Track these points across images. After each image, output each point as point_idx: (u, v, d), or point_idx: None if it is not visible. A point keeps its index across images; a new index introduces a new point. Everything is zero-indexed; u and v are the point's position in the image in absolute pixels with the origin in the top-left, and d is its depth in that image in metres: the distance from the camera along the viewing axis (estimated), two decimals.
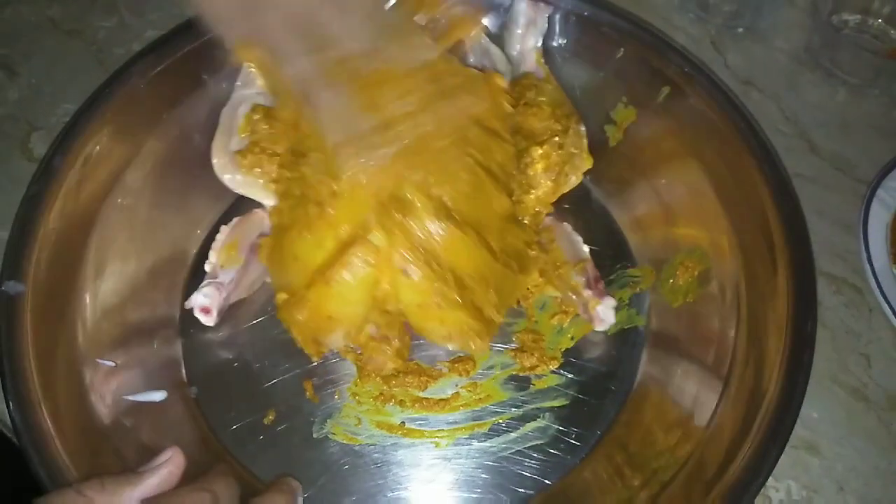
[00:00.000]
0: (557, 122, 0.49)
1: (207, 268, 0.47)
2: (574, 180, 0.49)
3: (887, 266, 0.51)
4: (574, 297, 0.48)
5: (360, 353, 0.45)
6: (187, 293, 0.49)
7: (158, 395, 0.44)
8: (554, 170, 0.48)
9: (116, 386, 0.43)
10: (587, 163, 0.49)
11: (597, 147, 0.50)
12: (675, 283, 0.50)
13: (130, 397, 0.43)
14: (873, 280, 0.50)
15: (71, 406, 0.40)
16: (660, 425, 0.45)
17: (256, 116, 0.48)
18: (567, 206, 0.51)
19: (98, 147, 0.46)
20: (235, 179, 0.48)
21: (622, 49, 0.52)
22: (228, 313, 0.48)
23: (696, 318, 0.48)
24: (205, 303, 0.45)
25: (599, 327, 0.47)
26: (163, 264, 0.49)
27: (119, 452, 0.41)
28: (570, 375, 0.48)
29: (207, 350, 0.47)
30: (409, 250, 0.40)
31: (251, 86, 0.50)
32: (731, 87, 0.57)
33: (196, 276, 0.49)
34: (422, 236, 0.40)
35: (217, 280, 0.46)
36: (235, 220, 0.49)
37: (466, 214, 0.42)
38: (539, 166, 0.47)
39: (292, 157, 0.46)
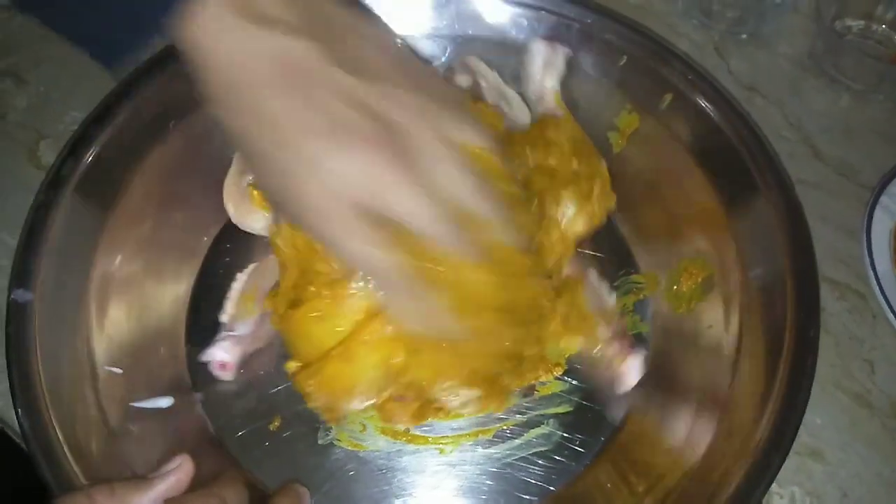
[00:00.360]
0: (578, 160, 0.48)
1: (224, 318, 0.46)
2: (599, 220, 0.48)
3: (890, 272, 0.51)
4: (597, 351, 0.46)
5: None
6: (194, 300, 0.49)
7: (165, 402, 0.44)
8: (583, 214, 0.47)
9: (123, 392, 0.43)
10: (610, 200, 0.49)
11: (601, 154, 0.50)
12: (679, 290, 0.50)
13: (137, 404, 0.43)
14: (876, 286, 0.50)
15: (79, 413, 0.41)
16: (664, 431, 0.45)
17: None
18: None
19: (106, 155, 0.46)
20: (252, 220, 0.47)
21: (625, 56, 0.52)
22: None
23: (700, 325, 0.48)
24: (224, 358, 0.44)
25: (622, 388, 0.46)
26: (170, 271, 0.49)
27: (126, 458, 0.41)
28: (574, 382, 0.48)
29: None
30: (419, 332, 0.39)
31: None
32: (735, 93, 0.57)
33: (203, 285, 0.49)
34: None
35: (234, 333, 0.45)
36: (251, 266, 0.48)
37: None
38: (569, 211, 0.47)
39: None
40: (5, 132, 0.57)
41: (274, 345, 0.47)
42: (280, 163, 0.33)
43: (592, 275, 0.49)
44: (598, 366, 0.47)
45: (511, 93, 0.53)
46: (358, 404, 0.42)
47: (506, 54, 0.54)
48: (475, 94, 0.52)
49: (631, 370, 0.45)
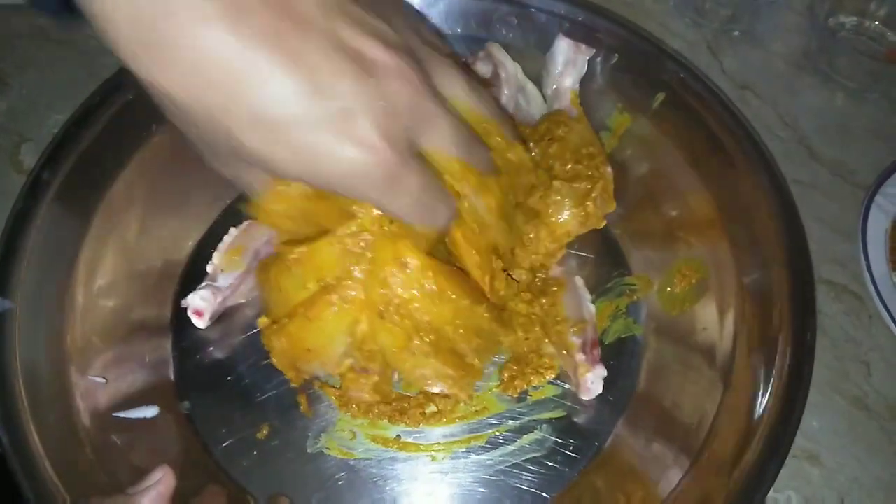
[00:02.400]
0: (579, 161, 0.48)
1: (209, 269, 0.47)
2: (596, 222, 0.48)
3: (887, 273, 0.51)
4: (566, 356, 0.46)
5: (339, 386, 0.44)
6: (178, 305, 0.48)
7: (150, 412, 0.44)
8: (577, 214, 0.47)
9: (107, 403, 0.42)
10: (610, 206, 0.49)
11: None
12: (673, 292, 0.49)
13: (122, 414, 0.43)
14: (872, 287, 0.50)
15: (61, 425, 0.40)
16: (660, 434, 0.45)
17: None
18: None
19: (86, 161, 0.45)
20: None
21: (616, 55, 0.52)
22: (222, 325, 0.47)
23: (695, 327, 0.48)
24: (200, 305, 0.45)
25: (585, 396, 0.46)
26: (153, 278, 0.48)
27: (110, 471, 0.40)
28: (567, 386, 0.47)
29: (199, 364, 0.47)
30: (384, 296, 0.39)
31: None
32: (728, 91, 0.57)
33: (187, 288, 0.48)
34: (402, 286, 0.39)
35: (215, 284, 0.46)
36: (246, 223, 0.49)
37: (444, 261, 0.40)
38: (563, 208, 0.47)
39: None
40: None
41: (255, 349, 0.47)
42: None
43: (578, 282, 0.49)
44: (567, 368, 0.47)
45: (530, 86, 0.53)
46: (319, 368, 0.42)
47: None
48: (494, 83, 0.52)
49: (593, 381, 0.45)
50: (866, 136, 0.58)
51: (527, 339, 0.47)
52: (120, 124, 0.47)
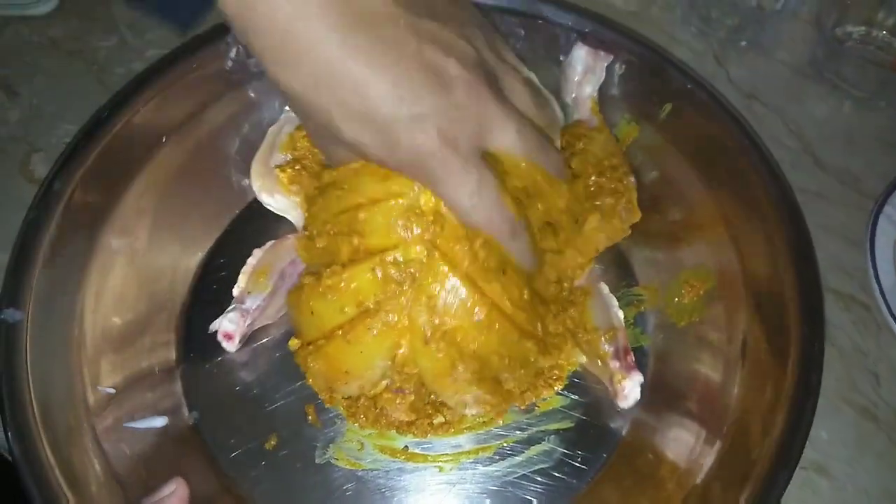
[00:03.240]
0: (602, 174, 0.48)
1: (235, 292, 0.46)
2: (621, 234, 0.48)
3: (895, 283, 0.50)
4: (600, 365, 0.46)
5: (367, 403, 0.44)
6: (187, 316, 0.48)
7: (159, 422, 0.44)
8: (605, 228, 0.47)
9: (116, 413, 0.42)
10: (635, 216, 0.48)
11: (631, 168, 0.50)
12: (681, 302, 0.49)
13: (131, 424, 0.43)
14: (881, 297, 0.50)
15: (71, 435, 0.40)
16: (668, 446, 0.45)
17: (301, 132, 0.48)
18: None
19: (98, 170, 0.45)
20: (274, 199, 0.48)
21: (623, 66, 0.52)
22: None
23: (703, 338, 0.48)
24: (229, 329, 0.45)
25: (623, 404, 0.45)
26: (163, 288, 0.48)
27: (120, 481, 0.40)
28: (575, 397, 0.47)
29: (208, 375, 0.47)
30: (429, 322, 0.39)
31: None
32: (735, 101, 0.57)
33: (196, 299, 0.49)
34: (444, 307, 0.39)
35: (244, 306, 0.45)
36: (269, 243, 0.48)
37: (492, 292, 0.40)
38: (591, 224, 0.47)
39: (328, 181, 0.44)
40: None
41: (264, 357, 0.47)
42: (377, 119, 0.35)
43: (604, 289, 0.48)
44: (599, 381, 0.47)
45: (546, 94, 0.53)
46: (356, 389, 0.42)
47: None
48: None
49: (631, 388, 0.44)
50: (874, 145, 0.58)
51: (566, 359, 0.47)
52: (130, 135, 0.47)
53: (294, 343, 0.44)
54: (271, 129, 0.50)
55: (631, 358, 0.45)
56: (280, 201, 0.48)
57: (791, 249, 0.45)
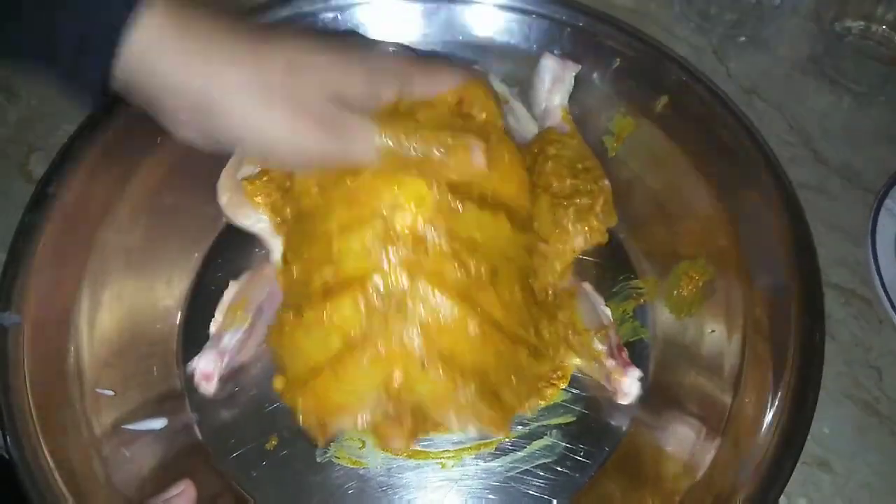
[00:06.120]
0: (576, 177, 0.48)
1: (212, 328, 0.45)
2: (599, 237, 0.48)
3: None
4: (596, 365, 0.46)
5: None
6: (186, 317, 0.48)
7: (158, 423, 0.43)
8: (581, 231, 0.47)
9: (116, 415, 0.42)
10: (612, 219, 0.49)
11: (596, 157, 0.50)
12: (680, 295, 0.49)
13: (130, 426, 0.42)
14: (882, 291, 0.50)
15: (70, 439, 0.40)
16: (670, 439, 0.45)
17: None
18: None
19: (93, 172, 0.45)
20: (241, 214, 0.47)
21: (618, 59, 0.52)
22: None
23: (702, 330, 0.47)
24: (207, 369, 0.43)
25: (623, 401, 0.45)
26: (160, 288, 0.48)
27: (119, 483, 0.40)
28: (577, 391, 0.47)
29: None
30: (425, 346, 0.38)
31: None
32: (735, 96, 0.57)
33: (195, 302, 0.48)
34: (437, 327, 0.39)
35: (221, 344, 0.44)
36: (245, 275, 0.47)
37: (483, 303, 0.40)
38: (567, 227, 0.47)
39: (301, 209, 0.44)
40: None
41: (264, 360, 0.46)
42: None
43: (587, 287, 0.49)
44: (597, 380, 0.46)
45: (517, 105, 0.53)
46: (351, 424, 0.41)
47: (502, 63, 0.54)
48: None
49: (630, 384, 0.44)
50: (874, 140, 0.58)
51: (560, 362, 0.47)
52: (125, 137, 0.47)
53: (279, 382, 0.43)
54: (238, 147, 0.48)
55: (625, 354, 0.45)
56: (247, 216, 0.47)
57: (790, 240, 0.45)
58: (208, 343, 0.44)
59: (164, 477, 0.41)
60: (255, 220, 0.47)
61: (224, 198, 0.47)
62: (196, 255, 0.50)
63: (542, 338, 0.44)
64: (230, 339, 0.44)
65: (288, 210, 0.45)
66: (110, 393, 0.43)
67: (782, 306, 0.43)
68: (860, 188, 0.55)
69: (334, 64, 0.39)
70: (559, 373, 0.47)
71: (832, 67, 0.60)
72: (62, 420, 0.40)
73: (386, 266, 0.38)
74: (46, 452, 0.38)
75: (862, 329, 0.50)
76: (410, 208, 0.39)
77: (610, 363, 0.45)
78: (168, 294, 0.48)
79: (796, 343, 0.42)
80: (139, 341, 0.46)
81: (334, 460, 0.44)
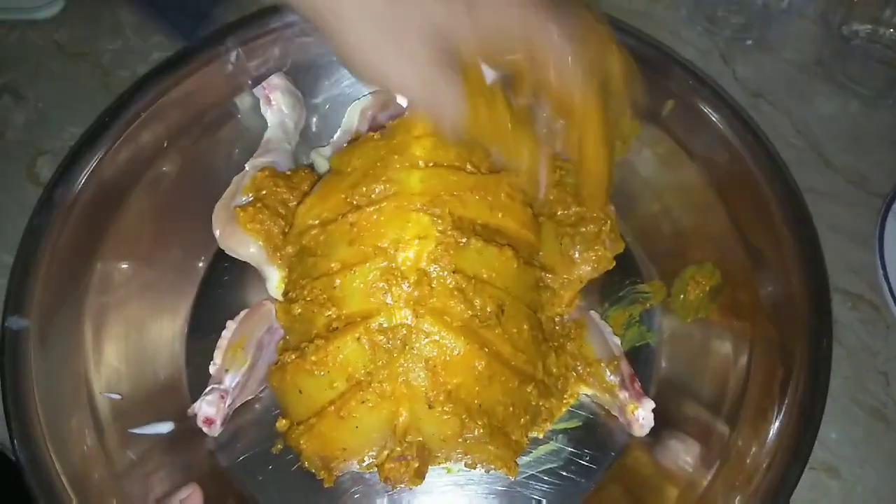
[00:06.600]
0: (581, 204, 0.47)
1: (211, 369, 0.44)
2: (607, 264, 0.47)
3: None
4: (608, 398, 0.45)
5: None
6: (192, 320, 0.48)
7: (165, 427, 0.43)
8: (589, 258, 0.46)
9: (122, 419, 0.42)
10: (619, 246, 0.48)
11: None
12: (687, 299, 0.49)
13: (137, 431, 0.42)
14: (890, 296, 0.49)
15: (76, 443, 0.40)
16: (677, 443, 0.45)
17: (262, 175, 0.47)
18: None
19: (100, 175, 0.45)
20: (235, 243, 0.46)
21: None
22: None
23: (709, 335, 0.47)
24: (209, 413, 0.42)
25: (639, 433, 0.44)
26: (167, 292, 0.48)
27: (126, 487, 0.40)
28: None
29: None
30: (431, 385, 0.38)
31: (264, 153, 0.49)
32: (741, 99, 0.57)
33: (201, 305, 0.49)
34: (443, 366, 0.38)
35: (222, 387, 0.43)
36: (242, 314, 0.46)
37: (490, 340, 0.40)
38: (574, 255, 0.46)
39: (298, 245, 0.44)
40: (3, 149, 0.56)
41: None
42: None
43: (595, 317, 0.48)
44: (609, 410, 0.46)
45: None
46: (356, 464, 0.41)
47: None
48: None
49: (645, 416, 0.44)
50: (881, 144, 0.58)
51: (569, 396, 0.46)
52: (133, 140, 0.47)
53: (283, 424, 0.42)
54: (235, 178, 0.48)
55: (638, 385, 0.45)
56: (241, 244, 0.46)
57: (796, 244, 0.45)
58: (209, 386, 0.43)
59: (171, 480, 0.41)
60: (249, 247, 0.46)
61: (218, 230, 0.47)
62: (202, 258, 0.50)
63: (551, 373, 0.44)
64: (231, 381, 0.43)
65: (289, 248, 0.44)
66: (117, 397, 0.43)
67: (789, 311, 0.43)
68: (867, 192, 0.55)
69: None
70: (567, 396, 0.46)
71: (839, 71, 0.60)
72: (69, 424, 0.40)
73: (390, 303, 0.38)
74: (53, 456, 0.38)
75: (869, 334, 0.50)
76: (414, 245, 0.39)
77: (623, 395, 0.44)
78: (174, 294, 0.49)
79: (804, 348, 0.42)
80: (146, 345, 0.46)
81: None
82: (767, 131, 0.49)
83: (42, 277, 0.42)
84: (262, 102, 0.51)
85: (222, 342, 0.45)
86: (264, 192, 0.46)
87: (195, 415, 0.42)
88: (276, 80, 0.51)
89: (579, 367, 0.45)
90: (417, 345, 0.38)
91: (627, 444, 0.46)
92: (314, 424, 0.39)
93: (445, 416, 0.38)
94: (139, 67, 0.59)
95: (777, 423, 0.41)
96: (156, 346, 0.47)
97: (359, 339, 0.38)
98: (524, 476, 0.44)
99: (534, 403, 0.42)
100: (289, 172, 0.48)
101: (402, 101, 0.50)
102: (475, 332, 0.39)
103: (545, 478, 0.45)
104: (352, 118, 0.50)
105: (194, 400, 0.45)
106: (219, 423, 0.42)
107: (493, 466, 0.42)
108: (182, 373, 0.47)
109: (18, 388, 0.39)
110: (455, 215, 0.40)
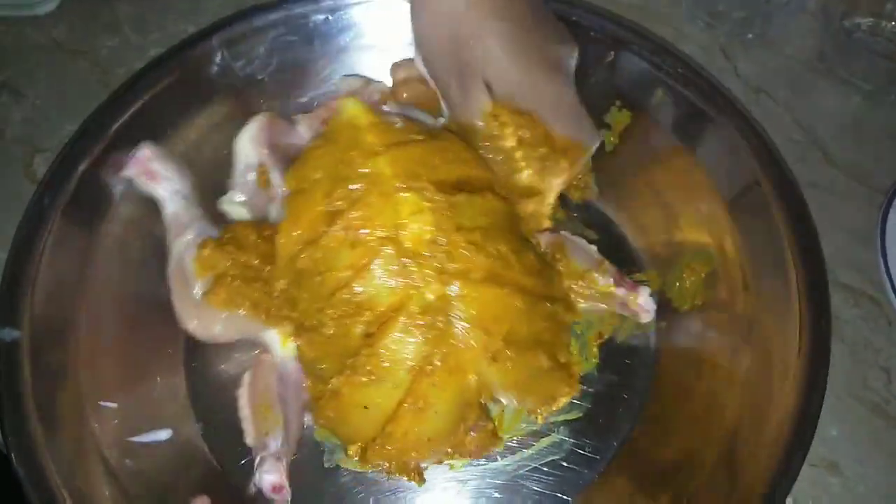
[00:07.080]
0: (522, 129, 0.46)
1: (248, 441, 0.43)
2: (571, 174, 0.47)
3: None
4: (609, 298, 0.47)
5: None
6: None
7: (164, 434, 0.43)
8: (541, 171, 0.46)
9: (120, 427, 0.42)
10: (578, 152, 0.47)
11: (595, 152, 0.49)
12: (682, 287, 0.49)
13: (135, 439, 0.42)
14: (892, 292, 0.49)
15: (75, 453, 0.40)
16: (677, 432, 0.45)
17: (207, 251, 0.43)
18: (574, 214, 0.52)
19: (90, 180, 0.45)
20: (221, 328, 0.43)
21: (612, 52, 0.51)
22: (233, 346, 0.46)
23: (706, 323, 0.48)
24: (274, 480, 0.41)
25: (646, 318, 0.47)
26: (162, 297, 0.46)
27: (127, 495, 0.40)
28: (583, 386, 0.47)
29: (212, 384, 0.46)
30: (489, 341, 0.39)
31: (184, 230, 0.45)
32: (742, 95, 0.57)
33: None
34: (490, 318, 0.39)
35: (271, 451, 0.42)
36: (246, 377, 0.45)
37: (513, 278, 0.41)
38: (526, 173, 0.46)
39: (291, 273, 0.42)
40: (0, 147, 0.56)
41: None
42: None
43: (567, 235, 0.49)
44: (605, 368, 0.48)
45: None
46: (442, 450, 0.41)
47: None
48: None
49: (645, 300, 0.47)
50: (883, 139, 0.57)
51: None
52: (123, 141, 0.46)
53: (354, 451, 0.41)
54: (171, 272, 0.45)
55: (628, 279, 0.47)
56: (228, 326, 0.43)
57: (793, 233, 0.44)
58: (257, 457, 0.42)
59: (172, 487, 0.41)
60: (237, 325, 0.43)
61: (193, 322, 0.44)
62: None
63: (563, 290, 0.46)
64: (276, 442, 0.42)
65: (281, 282, 0.43)
66: (113, 405, 0.42)
67: (786, 305, 0.43)
68: (869, 187, 0.55)
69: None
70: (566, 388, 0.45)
71: (841, 65, 0.60)
72: (66, 433, 0.40)
73: (417, 283, 0.38)
74: (51, 465, 0.38)
75: (871, 330, 0.50)
76: (413, 222, 0.39)
77: (621, 291, 0.47)
78: (170, 303, 0.46)
79: (803, 337, 0.42)
80: (142, 351, 0.46)
81: (341, 465, 0.44)
82: (768, 126, 0.49)
83: (34, 286, 0.41)
84: (142, 181, 0.46)
85: (243, 413, 0.43)
86: (221, 264, 0.43)
87: (259, 489, 0.41)
88: (146, 150, 0.46)
89: (574, 285, 0.47)
90: (458, 310, 0.39)
91: (629, 435, 0.46)
92: (392, 432, 0.39)
93: (509, 364, 0.40)
94: (136, 64, 0.58)
95: (775, 419, 0.41)
96: (153, 350, 0.46)
97: (404, 328, 0.38)
98: (526, 469, 0.45)
99: (562, 318, 0.44)
100: (227, 236, 0.44)
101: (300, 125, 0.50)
102: (500, 276, 0.40)
103: (548, 470, 0.45)
104: (245, 152, 0.47)
105: (193, 406, 0.45)
106: (286, 485, 0.41)
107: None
108: (181, 378, 0.46)
109: (14, 401, 0.39)
110: (432, 181, 0.41)
